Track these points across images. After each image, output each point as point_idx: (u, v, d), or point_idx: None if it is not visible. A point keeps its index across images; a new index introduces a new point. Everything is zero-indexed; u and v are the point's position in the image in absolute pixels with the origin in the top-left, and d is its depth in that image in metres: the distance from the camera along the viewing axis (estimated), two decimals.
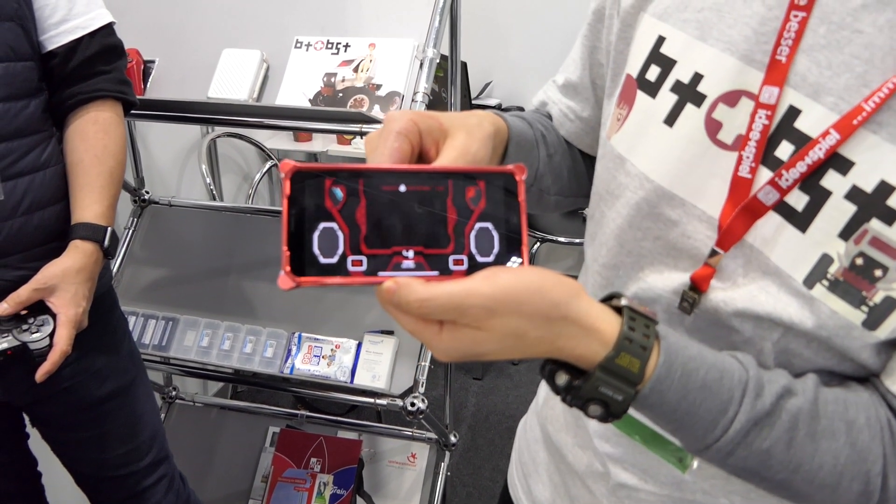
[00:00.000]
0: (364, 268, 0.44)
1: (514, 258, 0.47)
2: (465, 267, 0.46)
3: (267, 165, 2.49)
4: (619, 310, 0.49)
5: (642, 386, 0.48)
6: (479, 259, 0.46)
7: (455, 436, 1.89)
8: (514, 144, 0.65)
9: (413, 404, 1.50)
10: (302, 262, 0.43)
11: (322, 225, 0.43)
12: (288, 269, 0.43)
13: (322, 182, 0.44)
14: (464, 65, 2.42)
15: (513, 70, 3.16)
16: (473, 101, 2.85)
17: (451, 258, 0.46)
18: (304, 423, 1.97)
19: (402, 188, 0.45)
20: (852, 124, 0.47)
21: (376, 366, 1.55)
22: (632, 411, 0.49)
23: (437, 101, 2.29)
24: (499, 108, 3.12)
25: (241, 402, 2.12)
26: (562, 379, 0.49)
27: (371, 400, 1.54)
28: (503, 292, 0.43)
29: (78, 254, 1.06)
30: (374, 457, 1.92)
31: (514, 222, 0.47)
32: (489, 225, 0.46)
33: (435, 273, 0.45)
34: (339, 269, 0.44)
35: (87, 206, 1.09)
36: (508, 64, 3.14)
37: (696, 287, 0.56)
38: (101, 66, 1.13)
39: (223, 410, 2.05)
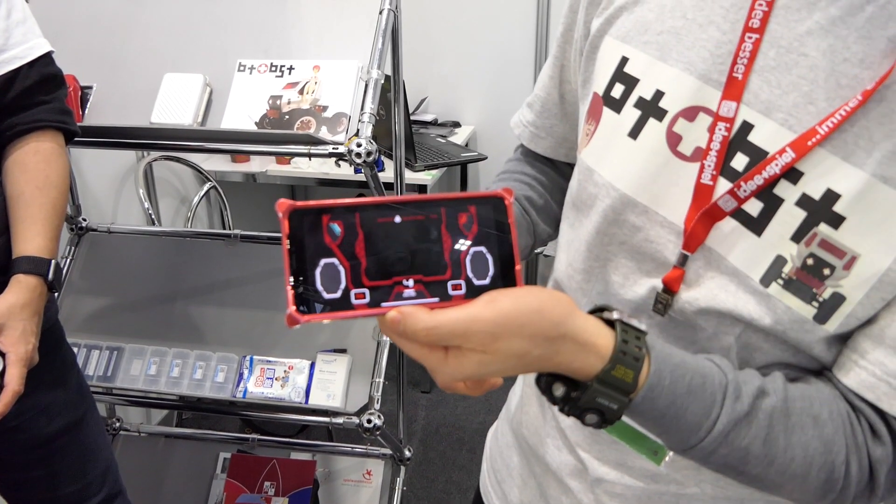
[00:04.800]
0: (367, 300, 0.45)
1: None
2: (463, 291, 0.48)
3: (205, 188, 2.45)
4: (610, 322, 0.52)
5: (635, 394, 0.52)
6: (476, 282, 0.48)
7: (409, 450, 1.90)
8: None
9: (370, 421, 1.50)
10: (307, 299, 0.44)
11: (323, 261, 0.44)
12: (294, 307, 0.43)
13: (319, 219, 0.45)
14: (402, 82, 2.44)
15: (448, 85, 3.20)
16: (410, 116, 2.88)
17: (450, 284, 0.47)
18: (255, 447, 1.95)
19: (398, 219, 0.46)
20: (807, 145, 0.52)
21: (331, 385, 1.55)
22: None
23: (380, 121, 2.30)
24: (434, 122, 3.16)
25: (188, 429, 2.07)
26: (559, 391, 0.52)
27: (326, 419, 1.54)
28: (505, 316, 0.46)
29: (21, 289, 1.03)
30: (330, 476, 1.91)
31: (506, 244, 0.49)
32: (483, 249, 0.48)
33: (436, 300, 0.47)
34: (343, 303, 0.45)
35: (30, 239, 1.06)
36: (443, 79, 3.19)
37: (669, 289, 0.61)
38: (40, 96, 1.11)
39: (171, 439, 2.00)
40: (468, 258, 0.48)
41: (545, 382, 0.53)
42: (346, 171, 2.58)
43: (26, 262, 1.05)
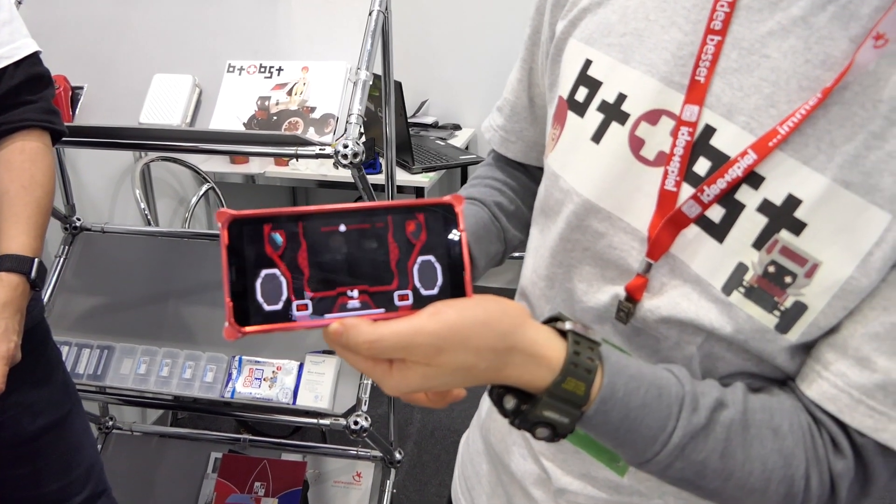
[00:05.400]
0: (310, 311, 0.44)
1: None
2: (410, 302, 0.46)
3: (203, 188, 2.46)
4: (563, 333, 0.51)
5: (587, 407, 0.50)
6: (424, 293, 0.47)
7: (400, 452, 1.89)
8: (474, 243, 0.72)
9: (356, 423, 1.50)
10: (246, 312, 0.43)
11: (264, 272, 0.43)
12: (232, 320, 0.43)
13: (260, 229, 0.44)
14: (399, 84, 2.45)
15: (448, 88, 3.21)
16: (410, 119, 2.88)
17: (396, 294, 0.46)
18: (247, 448, 1.95)
19: (342, 228, 0.45)
20: (768, 146, 0.51)
21: (318, 386, 1.55)
22: None
23: (372, 121, 2.31)
24: (435, 125, 3.17)
25: (181, 428, 2.08)
26: (510, 403, 0.51)
27: (315, 420, 1.54)
28: (449, 329, 0.45)
29: (3, 287, 1.03)
30: (320, 477, 1.91)
31: (456, 253, 0.47)
32: (431, 258, 0.47)
33: (381, 311, 0.45)
34: (284, 315, 0.44)
35: (13, 238, 1.07)
36: (443, 83, 3.20)
37: (632, 297, 0.60)
38: (26, 95, 1.11)
39: (163, 438, 2.01)
40: (416, 267, 0.47)
41: (496, 395, 0.52)
42: (345, 173, 2.57)
43: (9, 260, 1.05)
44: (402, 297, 0.46)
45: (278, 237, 0.44)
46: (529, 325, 0.49)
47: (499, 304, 0.49)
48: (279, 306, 0.44)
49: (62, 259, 1.75)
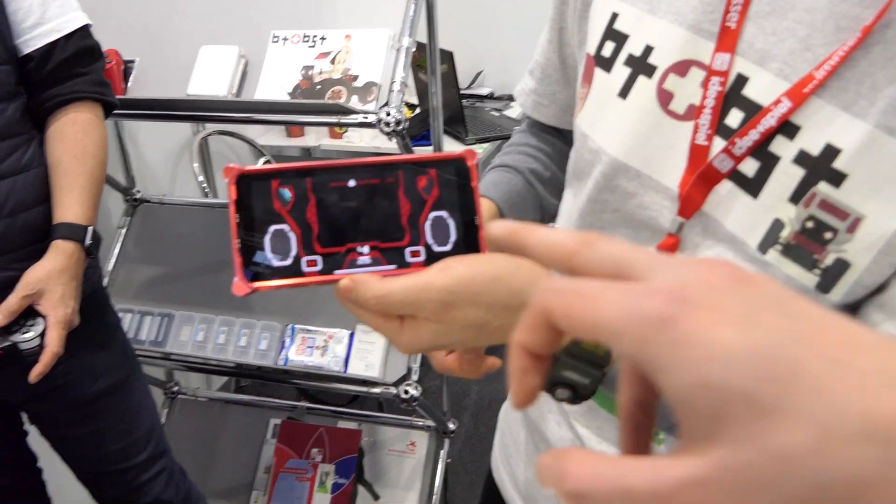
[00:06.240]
0: (319, 267, 0.44)
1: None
2: (422, 258, 0.45)
3: (260, 162, 2.51)
4: None
5: (609, 368, 0.49)
6: (437, 249, 0.46)
7: (454, 423, 1.90)
8: (509, 211, 0.70)
9: (406, 392, 1.51)
10: (256, 267, 0.43)
11: (273, 227, 0.43)
12: (241, 274, 0.43)
13: (268, 184, 0.43)
14: (450, 55, 2.42)
15: (504, 58, 3.15)
16: (464, 91, 2.85)
17: (408, 250, 0.45)
18: (304, 415, 2.00)
19: (352, 183, 0.44)
20: (803, 92, 0.48)
21: (369, 355, 1.56)
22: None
23: (425, 93, 2.30)
24: (490, 96, 3.12)
25: (243, 395, 2.14)
26: None
27: (365, 389, 1.56)
28: (458, 284, 0.43)
29: (59, 254, 1.08)
30: (374, 446, 1.94)
31: (470, 208, 0.46)
32: (444, 213, 0.46)
33: (392, 267, 0.45)
34: (293, 270, 0.44)
35: (68, 207, 1.11)
36: (499, 52, 3.14)
37: None
38: (77, 68, 1.15)
39: (225, 404, 2.08)
40: (428, 223, 0.45)
41: None
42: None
43: (64, 228, 1.10)
44: (414, 254, 0.45)
45: (287, 192, 0.44)
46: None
47: (512, 260, 0.47)
48: (289, 262, 0.43)
49: (124, 230, 1.82)
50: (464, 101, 2.59)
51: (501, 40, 3.12)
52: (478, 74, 3.17)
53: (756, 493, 0.21)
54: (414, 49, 1.31)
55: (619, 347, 0.24)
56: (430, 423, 1.90)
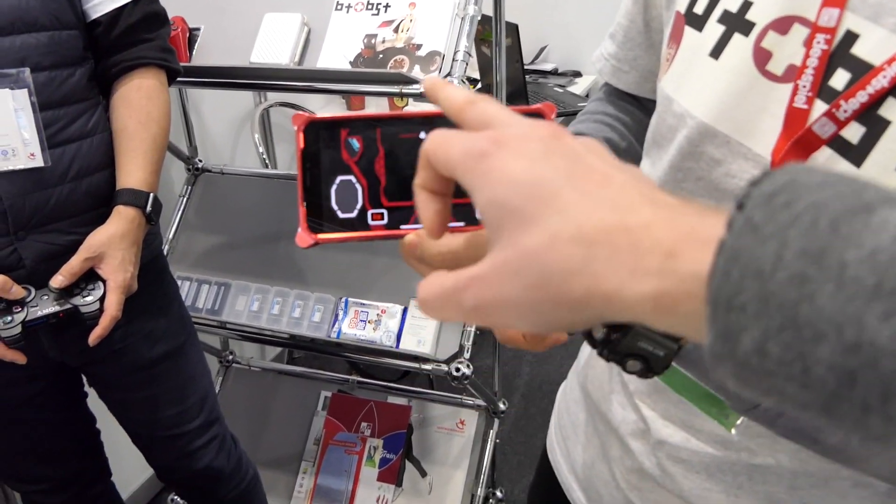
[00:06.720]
0: (385, 221, 0.42)
1: None
2: None
3: None
4: None
5: (685, 341, 0.45)
6: None
7: (504, 403, 1.88)
8: None
9: (458, 369, 1.49)
10: (320, 218, 0.41)
11: (339, 178, 0.42)
12: (305, 225, 0.41)
13: (337, 133, 0.41)
14: (515, 28, 2.36)
15: (569, 33, 3.07)
16: (527, 66, 2.79)
17: None
18: (355, 389, 2.00)
19: (423, 135, 0.42)
20: None
21: (422, 331, 1.55)
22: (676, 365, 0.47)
23: (488, 68, 2.25)
24: (555, 72, 3.05)
25: (295, 366, 2.16)
26: (599, 332, 0.46)
27: (417, 365, 1.55)
28: None
29: (121, 220, 1.08)
30: (424, 422, 1.93)
31: None
32: None
33: (461, 224, 0.42)
34: (358, 223, 0.42)
35: (131, 173, 1.11)
36: (564, 27, 3.06)
37: None
38: (143, 34, 1.14)
39: (278, 375, 2.10)
40: None
41: None
42: None
43: (126, 194, 1.10)
44: None
45: (355, 142, 0.42)
46: None
47: None
48: (354, 214, 0.42)
49: (185, 199, 1.84)
50: (527, 76, 2.53)
51: (567, 14, 3.03)
52: (542, 49, 3.09)
53: (509, 282, 0.29)
54: (479, 17, 1.27)
55: (455, 176, 0.31)
56: (481, 402, 1.88)
